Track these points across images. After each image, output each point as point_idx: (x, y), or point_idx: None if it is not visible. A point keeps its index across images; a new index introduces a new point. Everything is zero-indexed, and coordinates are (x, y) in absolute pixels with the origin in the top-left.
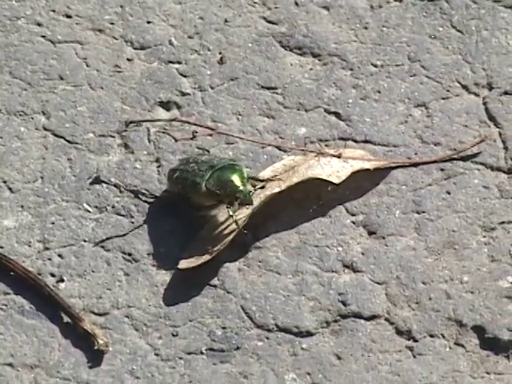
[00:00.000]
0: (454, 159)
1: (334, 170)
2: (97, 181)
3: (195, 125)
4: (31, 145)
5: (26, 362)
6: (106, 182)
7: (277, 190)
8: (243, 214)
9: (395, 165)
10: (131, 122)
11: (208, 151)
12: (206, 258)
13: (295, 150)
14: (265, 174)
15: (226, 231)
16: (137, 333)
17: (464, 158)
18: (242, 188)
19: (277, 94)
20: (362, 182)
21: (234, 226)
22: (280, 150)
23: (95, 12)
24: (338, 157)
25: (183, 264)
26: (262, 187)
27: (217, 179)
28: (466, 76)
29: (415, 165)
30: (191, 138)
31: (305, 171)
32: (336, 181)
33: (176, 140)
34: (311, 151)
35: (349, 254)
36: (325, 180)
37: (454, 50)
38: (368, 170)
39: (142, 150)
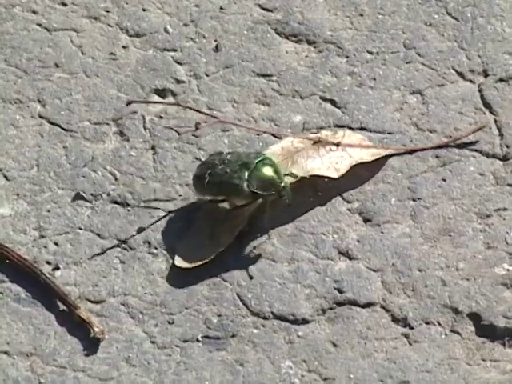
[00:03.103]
0: (450, 146)
1: (332, 161)
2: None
3: (194, 110)
4: (27, 133)
5: (22, 349)
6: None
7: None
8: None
9: (391, 152)
10: (132, 102)
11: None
12: (206, 258)
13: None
14: None
15: (229, 230)
16: (133, 320)
17: (459, 145)
18: (285, 185)
19: (272, 81)
20: (361, 171)
21: (238, 221)
22: (276, 137)
23: (90, 0)
24: (337, 145)
25: (181, 262)
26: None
27: (258, 179)
28: (462, 63)
29: (412, 152)
30: (194, 130)
31: (304, 163)
32: (335, 175)
33: (179, 134)
34: (309, 138)
35: (344, 242)
36: (324, 176)
37: (450, 37)
38: (367, 162)
39: (137, 137)
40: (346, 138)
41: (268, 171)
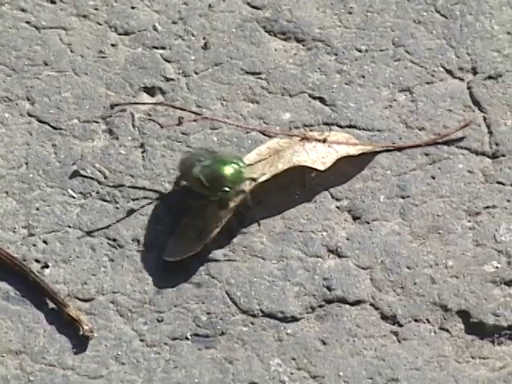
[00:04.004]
0: (438, 143)
1: (319, 155)
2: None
3: (180, 109)
4: (15, 131)
5: (11, 347)
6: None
7: (263, 178)
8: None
9: (380, 149)
10: (116, 105)
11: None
12: (194, 250)
13: (280, 135)
14: (250, 157)
15: (214, 221)
16: (122, 318)
17: (448, 143)
18: (226, 188)
19: (261, 79)
20: (347, 167)
21: (224, 213)
22: (264, 135)
23: None
24: (323, 141)
25: (170, 255)
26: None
27: (210, 171)
28: (451, 61)
29: (399, 149)
30: (177, 124)
31: (290, 157)
32: (321, 167)
33: (162, 126)
34: (296, 135)
35: (333, 239)
36: (310, 167)
37: (439, 35)
38: (353, 156)
39: (126, 135)
40: (332, 136)
41: (223, 167)
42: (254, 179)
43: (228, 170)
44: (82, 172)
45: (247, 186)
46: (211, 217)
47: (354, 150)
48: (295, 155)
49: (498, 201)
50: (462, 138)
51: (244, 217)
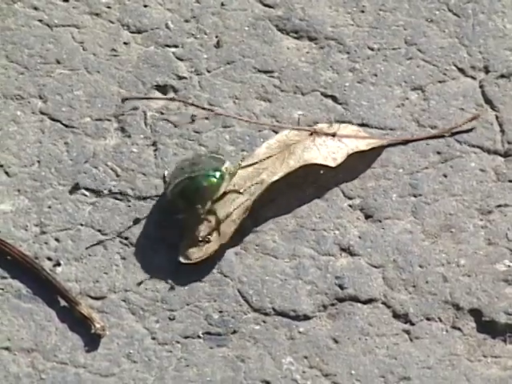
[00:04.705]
0: (444, 136)
1: (329, 150)
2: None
3: (193, 105)
4: (28, 129)
5: (23, 345)
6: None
7: (275, 178)
8: (241, 203)
9: (388, 143)
10: (127, 99)
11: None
12: (208, 252)
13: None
14: (259, 151)
15: (231, 219)
16: (134, 317)
17: (460, 141)
18: (198, 206)
19: (273, 77)
20: (358, 163)
21: (234, 216)
22: (276, 132)
23: None
24: (333, 136)
25: (185, 258)
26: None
27: (179, 190)
28: (463, 59)
29: (407, 142)
30: (190, 122)
31: (301, 153)
32: (332, 164)
33: (175, 126)
34: (305, 129)
35: (346, 238)
36: (322, 165)
37: (451, 34)
38: (363, 151)
39: (138, 133)
40: (341, 130)
41: (187, 189)
42: (238, 192)
43: (198, 188)
44: (94, 170)
45: (234, 198)
46: (226, 217)
47: (363, 145)
48: (306, 151)
49: (510, 199)
50: (473, 136)
51: (256, 215)
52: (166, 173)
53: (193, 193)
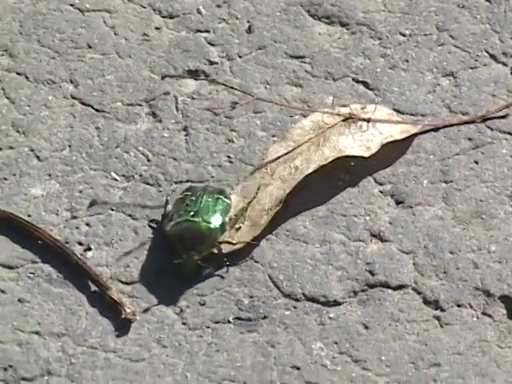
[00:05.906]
0: (475, 122)
1: (363, 138)
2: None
3: (231, 87)
4: (59, 113)
5: (54, 330)
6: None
7: (310, 170)
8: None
9: (421, 130)
10: (166, 76)
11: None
12: (245, 239)
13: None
14: (293, 132)
15: (266, 208)
16: (164, 302)
17: (492, 128)
18: (192, 252)
19: (305, 62)
20: (391, 151)
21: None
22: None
23: None
24: (368, 121)
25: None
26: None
27: (176, 230)
28: (494, 45)
29: (438, 128)
30: (231, 110)
31: (336, 141)
32: (366, 154)
33: (216, 114)
34: (339, 114)
35: (376, 224)
36: (355, 156)
37: (483, 20)
38: (396, 140)
39: (169, 118)
40: (375, 114)
41: (184, 232)
42: (231, 243)
43: (195, 234)
44: (125, 155)
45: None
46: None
47: (397, 133)
48: (341, 140)
49: None
50: (504, 123)
51: (287, 201)
52: (168, 197)
53: (190, 238)
